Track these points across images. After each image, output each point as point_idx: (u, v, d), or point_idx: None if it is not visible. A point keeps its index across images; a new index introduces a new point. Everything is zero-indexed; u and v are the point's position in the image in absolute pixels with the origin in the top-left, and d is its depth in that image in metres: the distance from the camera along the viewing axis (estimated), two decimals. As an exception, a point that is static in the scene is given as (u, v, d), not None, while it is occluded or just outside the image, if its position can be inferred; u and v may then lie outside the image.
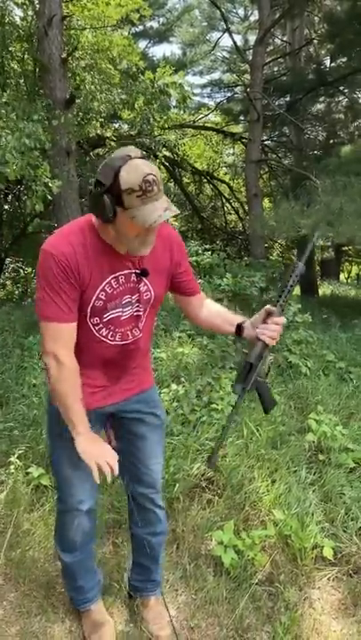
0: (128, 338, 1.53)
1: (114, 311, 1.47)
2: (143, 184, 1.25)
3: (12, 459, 2.56)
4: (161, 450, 1.80)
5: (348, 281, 23.30)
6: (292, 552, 2.20)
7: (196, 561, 2.17)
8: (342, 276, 23.59)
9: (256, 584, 2.05)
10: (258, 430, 2.96)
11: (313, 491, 2.52)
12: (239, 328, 1.58)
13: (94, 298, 1.42)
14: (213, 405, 3.15)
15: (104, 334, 1.49)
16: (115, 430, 1.73)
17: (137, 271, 1.46)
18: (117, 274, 1.44)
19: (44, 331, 1.42)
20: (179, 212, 1.32)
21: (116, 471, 1.45)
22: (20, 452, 2.62)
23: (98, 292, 1.42)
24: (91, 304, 1.43)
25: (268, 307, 1.50)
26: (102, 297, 1.44)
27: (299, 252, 12.99)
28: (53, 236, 1.42)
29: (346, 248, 18.03)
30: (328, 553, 2.16)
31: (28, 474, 2.55)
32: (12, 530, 2.27)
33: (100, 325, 1.47)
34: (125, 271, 1.45)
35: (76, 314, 1.43)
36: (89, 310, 1.44)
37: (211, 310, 1.69)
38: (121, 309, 1.48)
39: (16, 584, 2.04)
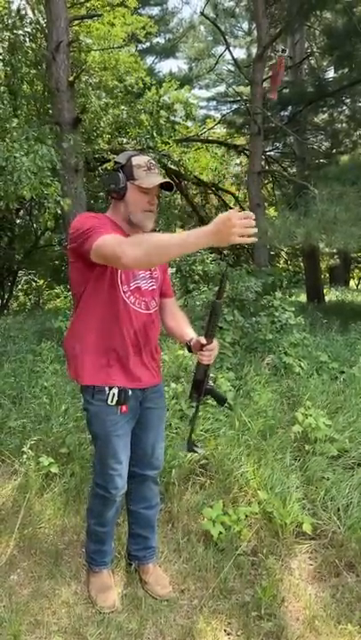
0: (150, 308, 1.91)
1: (135, 280, 1.87)
2: (148, 163, 1.81)
3: (25, 449, 2.83)
4: (164, 438, 2.16)
5: (360, 287, 23.38)
6: (274, 528, 2.44)
7: (188, 536, 2.43)
8: (352, 283, 23.71)
9: (240, 555, 2.30)
10: (250, 423, 3.21)
11: (296, 476, 2.75)
12: (188, 347, 1.95)
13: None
14: (209, 401, 3.40)
15: (132, 301, 1.85)
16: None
17: None
18: None
19: (108, 243, 1.60)
20: (173, 183, 1.81)
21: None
22: (32, 442, 2.90)
23: None
24: (118, 272, 1.79)
25: (200, 338, 1.87)
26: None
27: (305, 259, 13.24)
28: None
29: (355, 255, 18.18)
30: (307, 528, 2.40)
31: (39, 463, 2.83)
32: (25, 511, 2.55)
33: (129, 293, 1.84)
34: None
35: None
36: (119, 279, 1.80)
37: (176, 320, 2.05)
38: (140, 281, 1.88)
39: (28, 554, 2.32)
